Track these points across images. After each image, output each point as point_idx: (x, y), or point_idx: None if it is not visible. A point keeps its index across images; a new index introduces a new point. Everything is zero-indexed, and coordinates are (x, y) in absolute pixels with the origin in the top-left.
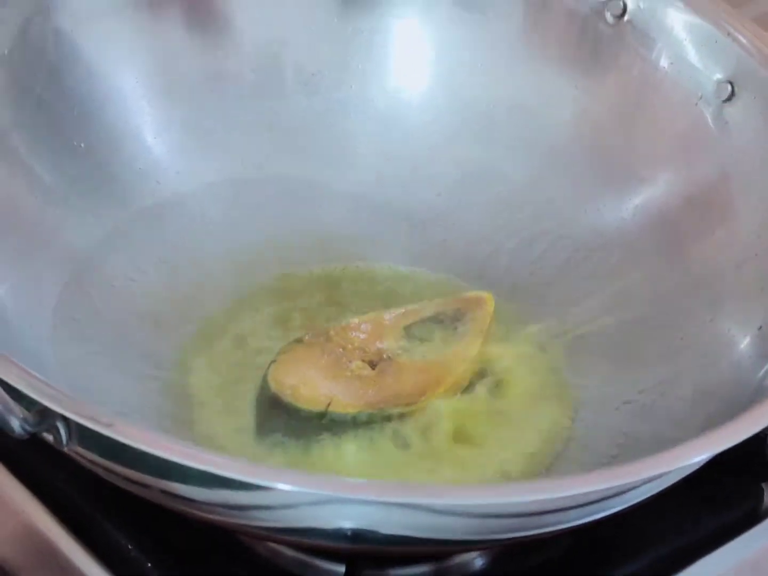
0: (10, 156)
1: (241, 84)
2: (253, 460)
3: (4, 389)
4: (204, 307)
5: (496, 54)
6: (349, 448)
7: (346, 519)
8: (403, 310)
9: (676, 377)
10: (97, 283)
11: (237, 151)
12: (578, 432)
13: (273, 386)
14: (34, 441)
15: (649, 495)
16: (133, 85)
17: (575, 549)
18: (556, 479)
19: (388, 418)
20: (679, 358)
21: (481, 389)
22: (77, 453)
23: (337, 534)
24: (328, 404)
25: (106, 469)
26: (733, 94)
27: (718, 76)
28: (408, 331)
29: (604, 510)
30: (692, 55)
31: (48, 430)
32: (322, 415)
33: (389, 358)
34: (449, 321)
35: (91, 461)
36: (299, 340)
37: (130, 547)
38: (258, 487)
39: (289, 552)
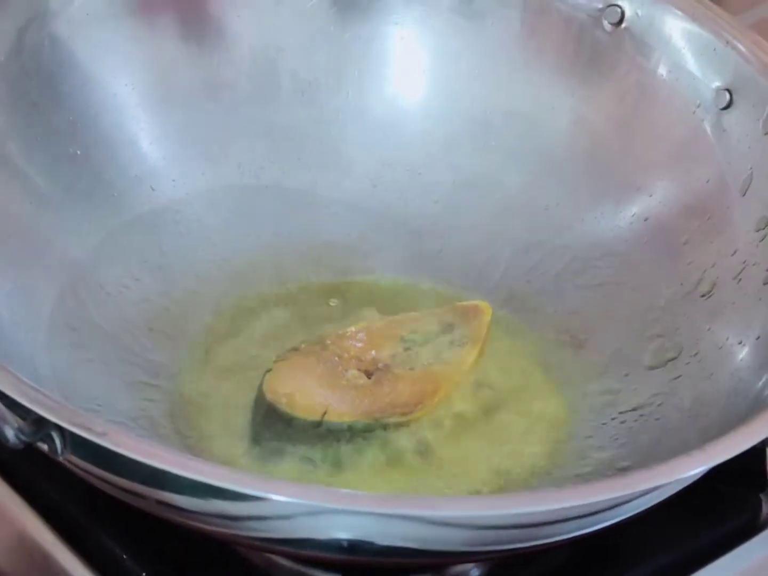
0: (5, 162)
1: (237, 91)
2: (248, 470)
3: None
4: (199, 315)
5: (493, 62)
6: (344, 458)
7: (342, 530)
8: (399, 319)
9: (675, 387)
10: (92, 291)
11: (233, 158)
12: (576, 442)
13: (268, 395)
14: (29, 450)
15: (647, 506)
16: (128, 92)
17: (573, 560)
18: (553, 491)
19: (384, 428)
20: (678, 368)
21: (477, 398)
22: (72, 462)
23: (333, 545)
24: (324, 413)
25: (100, 478)
26: (731, 102)
27: (717, 84)
28: (404, 340)
29: (601, 522)
30: (690, 63)
31: (43, 440)
32: (317, 424)
33: (385, 367)
34: (446, 330)
35: (85, 471)
36: (295, 349)
37: (125, 557)
38: (253, 498)
39: (285, 562)
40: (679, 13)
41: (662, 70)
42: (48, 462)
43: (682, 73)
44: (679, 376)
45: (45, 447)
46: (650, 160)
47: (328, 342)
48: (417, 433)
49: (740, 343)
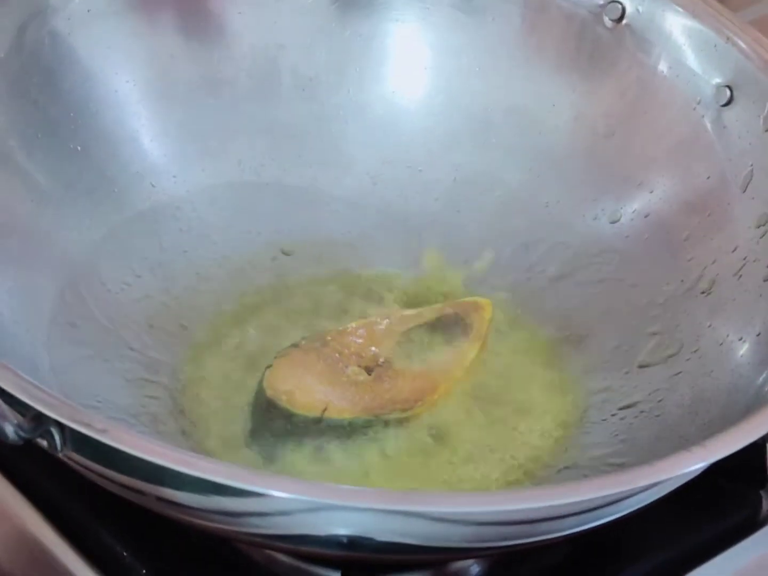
0: (5, 159)
1: (237, 88)
2: (247, 466)
3: None
4: (200, 311)
5: (494, 58)
6: (345, 455)
7: (341, 526)
8: (399, 316)
9: (675, 384)
10: (93, 288)
11: (234, 155)
12: (576, 438)
13: (268, 391)
14: (29, 447)
15: (647, 502)
16: (129, 88)
17: (573, 557)
18: (551, 487)
19: (385, 424)
20: (678, 364)
21: (477, 395)
22: (72, 459)
23: (332, 541)
24: (324, 410)
25: (100, 475)
26: (731, 98)
27: (717, 80)
28: (404, 337)
29: (601, 518)
30: (691, 59)
31: (42, 436)
32: (317, 421)
33: (386, 363)
34: (446, 326)
35: (85, 467)
36: (295, 345)
37: (125, 553)
38: (253, 494)
39: (285, 559)
40: (680, 9)
41: (663, 67)
42: (48, 459)
43: (683, 70)
44: (680, 372)
45: (44, 443)
46: (651, 156)
47: (329, 338)
48: (418, 430)
49: (741, 339)
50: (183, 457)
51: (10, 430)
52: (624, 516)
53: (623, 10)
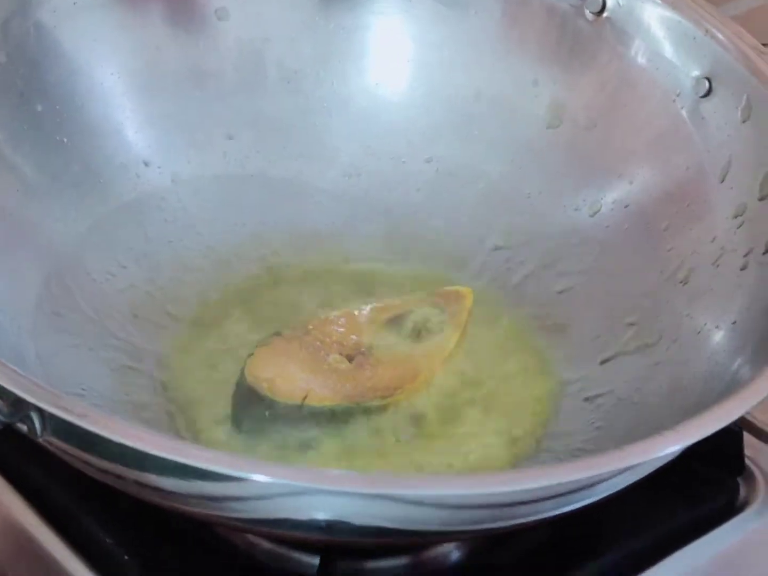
0: None
1: (223, 81)
2: (228, 451)
3: None
4: (184, 301)
5: (476, 51)
6: (325, 441)
7: (320, 510)
8: (381, 305)
9: (653, 372)
10: (78, 278)
11: (218, 147)
12: (553, 424)
13: (249, 379)
14: (12, 433)
15: (623, 486)
16: (115, 80)
17: (551, 541)
18: (522, 471)
19: (366, 411)
20: (656, 353)
21: (457, 383)
22: (52, 444)
23: (312, 525)
24: (305, 397)
25: (81, 460)
26: (710, 90)
27: (696, 72)
28: (386, 325)
29: (577, 501)
30: (670, 51)
31: (22, 421)
32: (298, 408)
33: (367, 351)
34: (427, 315)
35: (65, 452)
36: (277, 334)
37: (108, 540)
38: (233, 479)
39: (266, 544)
40: (659, 1)
41: (642, 59)
42: (31, 445)
43: (662, 62)
44: (658, 361)
45: (24, 428)
46: (630, 147)
47: (310, 327)
48: (398, 417)
49: (717, 327)
50: (161, 441)
51: None
52: (601, 500)
53: (604, 3)
